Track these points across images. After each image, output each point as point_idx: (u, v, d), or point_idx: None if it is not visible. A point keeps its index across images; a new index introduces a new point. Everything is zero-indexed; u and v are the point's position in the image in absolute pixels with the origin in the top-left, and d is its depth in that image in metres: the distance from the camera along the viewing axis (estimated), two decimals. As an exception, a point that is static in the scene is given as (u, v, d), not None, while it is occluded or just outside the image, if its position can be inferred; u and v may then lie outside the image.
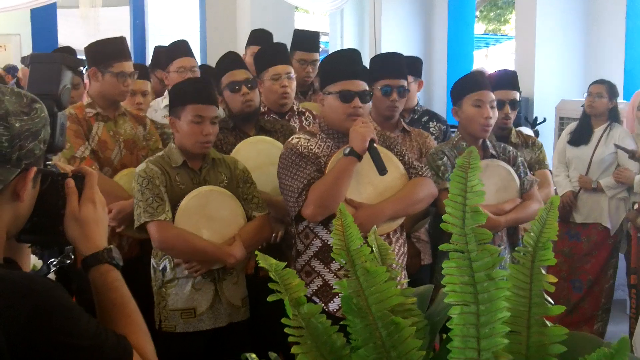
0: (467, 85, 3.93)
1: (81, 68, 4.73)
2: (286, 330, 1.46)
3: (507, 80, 4.59)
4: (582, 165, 5.99)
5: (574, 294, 6.04)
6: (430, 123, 4.71)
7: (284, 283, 1.51)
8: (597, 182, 5.88)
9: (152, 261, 3.69)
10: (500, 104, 4.37)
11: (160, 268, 3.63)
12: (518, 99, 4.56)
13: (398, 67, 4.09)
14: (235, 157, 3.91)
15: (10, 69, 9.18)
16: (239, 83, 4.14)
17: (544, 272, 1.46)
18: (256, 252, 1.59)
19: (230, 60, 4.34)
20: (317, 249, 3.46)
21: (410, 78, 4.63)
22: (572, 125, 6.22)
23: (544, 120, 7.90)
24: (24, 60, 2.01)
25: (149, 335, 1.67)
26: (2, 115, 1.51)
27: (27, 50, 11.62)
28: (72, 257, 1.78)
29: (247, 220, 3.67)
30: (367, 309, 1.47)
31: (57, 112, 1.71)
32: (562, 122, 7.63)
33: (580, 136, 6.03)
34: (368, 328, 1.46)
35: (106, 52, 4.06)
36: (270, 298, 1.50)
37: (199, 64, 10.54)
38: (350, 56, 3.65)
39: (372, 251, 1.65)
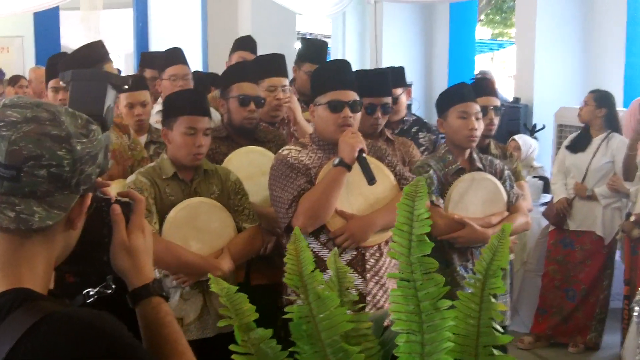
0: (452, 97, 3.92)
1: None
2: (234, 357, 1.46)
3: (487, 86, 4.62)
4: (579, 173, 6.00)
5: (567, 303, 6.03)
6: (420, 133, 4.68)
7: (235, 308, 1.51)
8: (592, 190, 5.87)
9: None
10: (484, 110, 4.34)
11: (151, 278, 3.62)
12: (499, 105, 4.56)
13: (383, 85, 4.06)
14: (227, 166, 3.89)
15: None
16: (249, 98, 4.10)
17: (493, 300, 1.45)
18: (209, 276, 1.58)
19: (245, 70, 4.31)
20: None
21: (399, 90, 4.61)
22: (573, 135, 6.26)
23: (543, 127, 7.90)
24: (63, 76, 1.86)
25: None
26: (64, 137, 1.40)
27: (30, 52, 11.62)
28: (113, 286, 1.66)
29: (237, 232, 3.66)
30: (317, 335, 1.46)
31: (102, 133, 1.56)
32: (560, 129, 7.62)
33: (578, 143, 6.06)
34: (317, 355, 1.46)
35: (90, 56, 3.88)
36: (220, 323, 1.50)
37: (201, 67, 10.63)
38: (339, 66, 3.65)
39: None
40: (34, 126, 1.39)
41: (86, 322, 1.34)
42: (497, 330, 1.44)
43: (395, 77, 4.51)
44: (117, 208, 1.59)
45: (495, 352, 1.43)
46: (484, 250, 1.47)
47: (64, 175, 1.40)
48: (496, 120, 4.51)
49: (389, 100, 4.06)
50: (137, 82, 4.66)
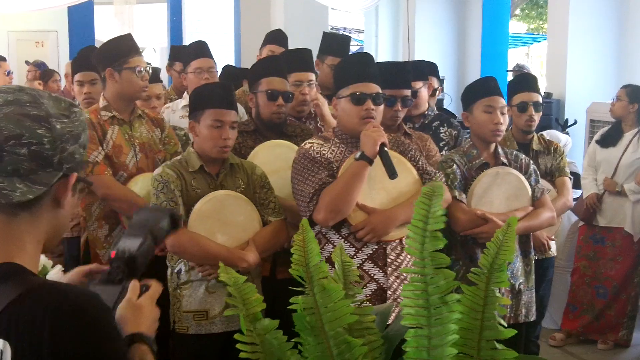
0: (478, 90, 3.91)
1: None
2: (238, 346, 1.47)
3: (529, 82, 4.59)
4: (609, 168, 5.93)
5: (597, 300, 5.96)
6: (441, 128, 4.64)
7: (243, 298, 1.52)
8: (622, 186, 5.80)
9: (168, 264, 3.71)
10: (524, 106, 4.37)
11: (176, 270, 3.64)
12: (541, 101, 4.52)
13: (402, 78, 4.04)
14: (253, 160, 3.89)
15: (41, 65, 9.15)
16: (278, 93, 4.11)
17: (498, 295, 1.45)
18: (220, 265, 1.60)
19: (274, 64, 4.32)
20: (329, 255, 3.44)
21: (420, 83, 4.59)
22: (605, 129, 6.19)
23: (575, 122, 7.81)
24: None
25: None
26: (43, 116, 1.49)
27: (64, 46, 11.72)
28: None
29: (263, 225, 3.67)
30: (321, 327, 1.47)
31: (151, 243, 1.82)
32: (592, 124, 7.53)
33: (609, 138, 5.99)
34: (320, 346, 1.47)
35: (119, 49, 4.01)
36: (226, 313, 1.51)
37: (234, 61, 10.67)
38: (361, 59, 3.65)
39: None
40: (14, 108, 1.48)
41: (71, 298, 1.41)
42: (500, 325, 1.44)
43: (415, 70, 4.48)
44: (136, 282, 1.73)
45: (499, 346, 1.43)
46: (489, 244, 1.46)
47: (45, 153, 1.48)
48: (537, 117, 4.47)
49: (408, 93, 4.05)
50: (151, 75, 4.69)
